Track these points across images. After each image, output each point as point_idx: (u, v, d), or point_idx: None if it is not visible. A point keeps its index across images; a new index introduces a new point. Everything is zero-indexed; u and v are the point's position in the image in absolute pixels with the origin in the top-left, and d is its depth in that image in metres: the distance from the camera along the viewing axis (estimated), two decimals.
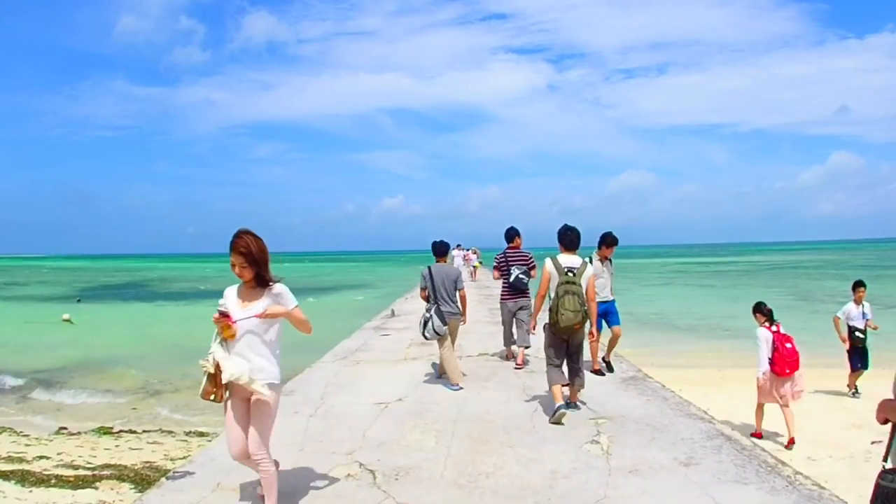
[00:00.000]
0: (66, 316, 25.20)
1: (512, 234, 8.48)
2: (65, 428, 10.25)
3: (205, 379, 3.66)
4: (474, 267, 30.60)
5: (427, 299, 7.26)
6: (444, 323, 6.95)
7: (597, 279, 6.84)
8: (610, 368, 7.99)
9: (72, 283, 59.82)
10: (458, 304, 7.38)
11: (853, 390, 9.98)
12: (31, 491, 7.13)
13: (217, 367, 3.58)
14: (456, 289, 7.34)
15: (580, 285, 5.69)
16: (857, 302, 9.67)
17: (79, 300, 37.43)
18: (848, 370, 9.97)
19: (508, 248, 8.47)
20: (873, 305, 10.22)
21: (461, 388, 7.01)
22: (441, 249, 7.52)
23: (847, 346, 9.72)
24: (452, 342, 7.40)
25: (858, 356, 9.70)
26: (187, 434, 9.77)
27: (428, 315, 6.98)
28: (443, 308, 7.09)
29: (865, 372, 9.80)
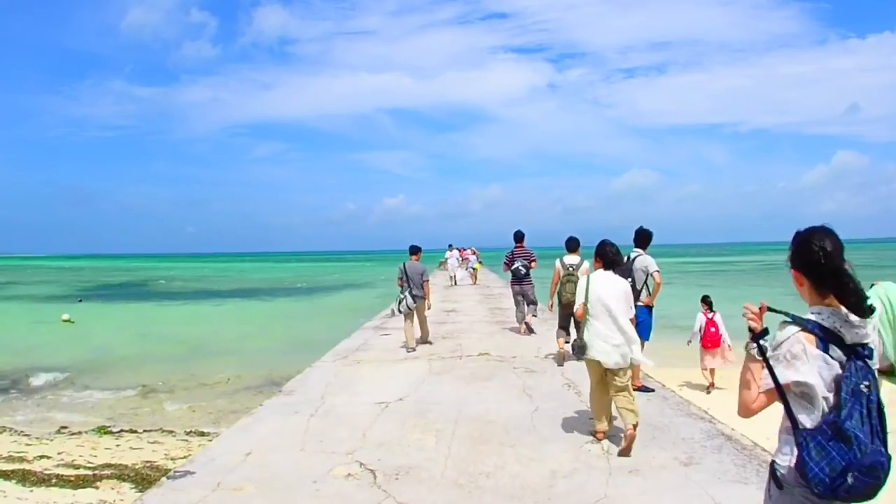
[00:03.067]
0: (65, 316, 25.20)
1: (519, 236, 11.17)
2: (65, 427, 10.26)
3: None
4: (473, 269, 27.62)
5: (402, 286, 9.89)
6: (415, 302, 9.73)
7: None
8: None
9: (72, 282, 59.82)
10: (423, 291, 9.96)
11: None
12: (31, 490, 7.13)
13: None
14: (422, 280, 9.91)
15: (577, 276, 8.21)
16: None
17: (80, 300, 37.43)
18: None
19: (516, 247, 11.12)
20: None
21: (414, 350, 9.67)
22: (412, 249, 10.20)
23: None
24: (419, 318, 10.08)
25: None
26: (188, 434, 9.77)
27: (402, 296, 9.74)
28: (413, 293, 9.76)
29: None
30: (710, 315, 10.15)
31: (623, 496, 4.00)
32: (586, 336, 5.03)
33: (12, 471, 7.73)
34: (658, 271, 6.94)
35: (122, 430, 9.97)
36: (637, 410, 4.89)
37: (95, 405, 12.10)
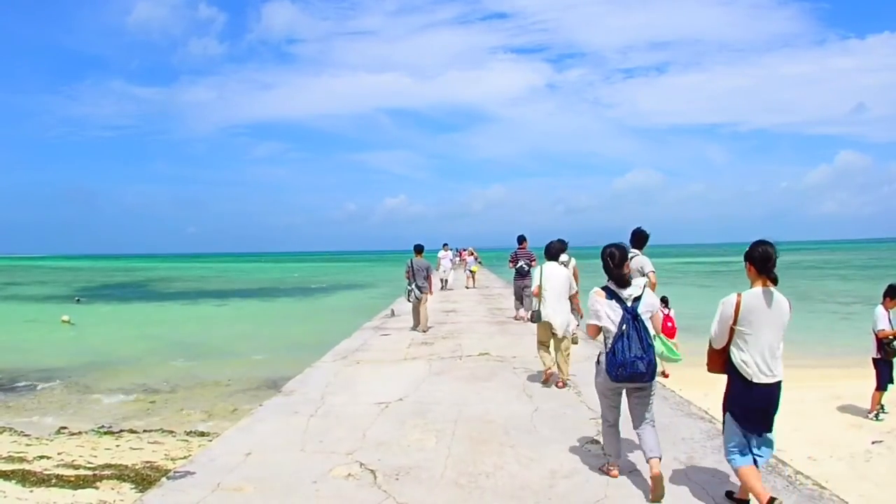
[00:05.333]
0: (65, 317, 25.17)
1: (521, 239, 13.00)
2: (65, 428, 10.26)
3: None
4: (471, 271, 24.86)
5: (409, 279, 11.85)
6: (422, 292, 11.81)
7: None
8: None
9: (72, 283, 59.82)
10: (427, 282, 11.88)
11: (877, 410, 8.53)
12: (31, 491, 7.13)
13: None
14: (426, 274, 11.86)
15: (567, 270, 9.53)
16: (887, 308, 8.22)
17: (78, 300, 37.40)
18: (873, 385, 8.51)
19: (519, 248, 12.98)
20: (873, 307, 8.78)
21: (424, 332, 11.79)
22: (417, 248, 12.12)
23: (878, 354, 8.32)
24: (422, 305, 11.99)
25: (889, 371, 8.28)
26: (188, 434, 9.77)
27: (410, 288, 11.84)
28: (419, 284, 11.74)
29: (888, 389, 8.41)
30: (666, 311, 10.29)
31: (623, 496, 4.00)
32: (541, 308, 7.07)
33: (12, 471, 7.73)
34: (653, 271, 6.93)
35: (122, 431, 9.98)
36: (569, 367, 7.14)
37: (95, 405, 12.10)
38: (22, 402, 12.47)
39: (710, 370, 3.89)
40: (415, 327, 12.17)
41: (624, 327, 3.99)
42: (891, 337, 8.21)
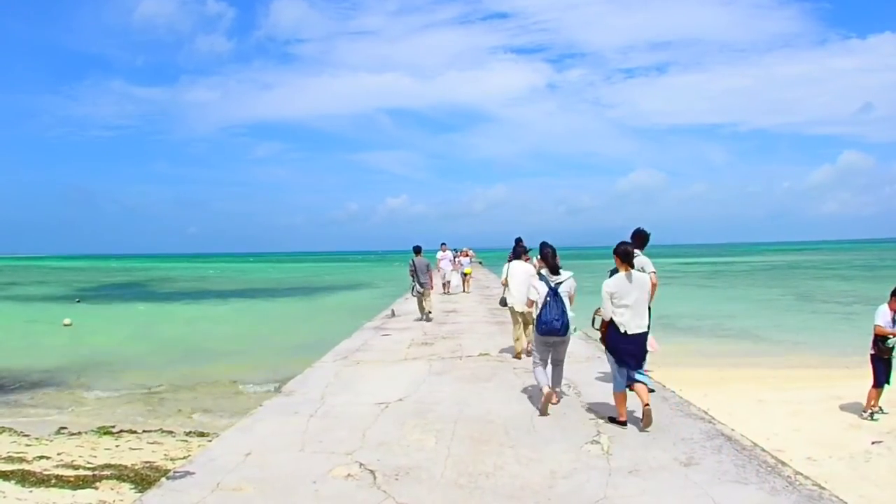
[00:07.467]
0: (67, 321, 25.13)
1: (518, 241, 13.51)
2: (65, 428, 10.26)
3: None
4: (465, 273, 22.43)
5: (412, 276, 13.48)
6: (423, 288, 13.43)
7: None
8: None
9: (72, 283, 59.85)
10: (429, 279, 13.57)
11: (872, 410, 8.49)
12: (31, 491, 7.14)
13: None
14: (427, 271, 13.49)
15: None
16: (893, 308, 8.17)
17: (78, 300, 37.39)
18: (870, 383, 8.49)
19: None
20: (873, 307, 8.74)
21: (430, 321, 13.48)
22: (416, 249, 13.75)
23: (873, 350, 8.35)
24: (426, 298, 13.65)
25: (884, 368, 8.26)
26: (187, 434, 9.78)
27: (413, 284, 13.52)
28: (421, 280, 13.39)
29: (887, 388, 8.40)
30: None
31: (623, 497, 3.99)
32: (506, 295, 9.03)
33: (12, 471, 7.74)
34: (654, 272, 6.91)
35: (121, 431, 9.98)
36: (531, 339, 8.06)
37: (95, 406, 12.11)
38: (22, 402, 12.47)
39: (603, 339, 5.76)
40: (420, 318, 13.67)
41: (548, 299, 6.00)
42: (889, 336, 8.14)
